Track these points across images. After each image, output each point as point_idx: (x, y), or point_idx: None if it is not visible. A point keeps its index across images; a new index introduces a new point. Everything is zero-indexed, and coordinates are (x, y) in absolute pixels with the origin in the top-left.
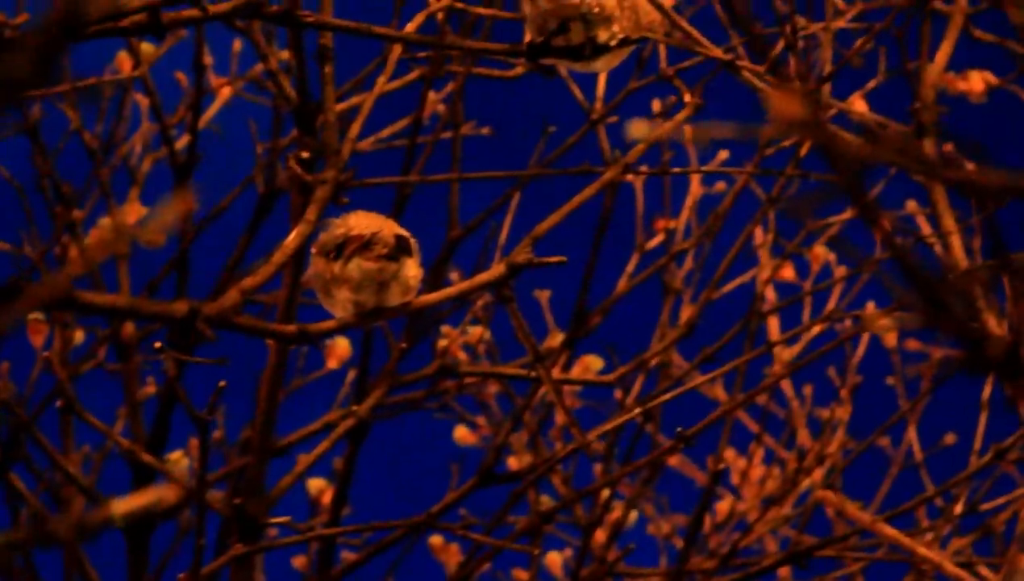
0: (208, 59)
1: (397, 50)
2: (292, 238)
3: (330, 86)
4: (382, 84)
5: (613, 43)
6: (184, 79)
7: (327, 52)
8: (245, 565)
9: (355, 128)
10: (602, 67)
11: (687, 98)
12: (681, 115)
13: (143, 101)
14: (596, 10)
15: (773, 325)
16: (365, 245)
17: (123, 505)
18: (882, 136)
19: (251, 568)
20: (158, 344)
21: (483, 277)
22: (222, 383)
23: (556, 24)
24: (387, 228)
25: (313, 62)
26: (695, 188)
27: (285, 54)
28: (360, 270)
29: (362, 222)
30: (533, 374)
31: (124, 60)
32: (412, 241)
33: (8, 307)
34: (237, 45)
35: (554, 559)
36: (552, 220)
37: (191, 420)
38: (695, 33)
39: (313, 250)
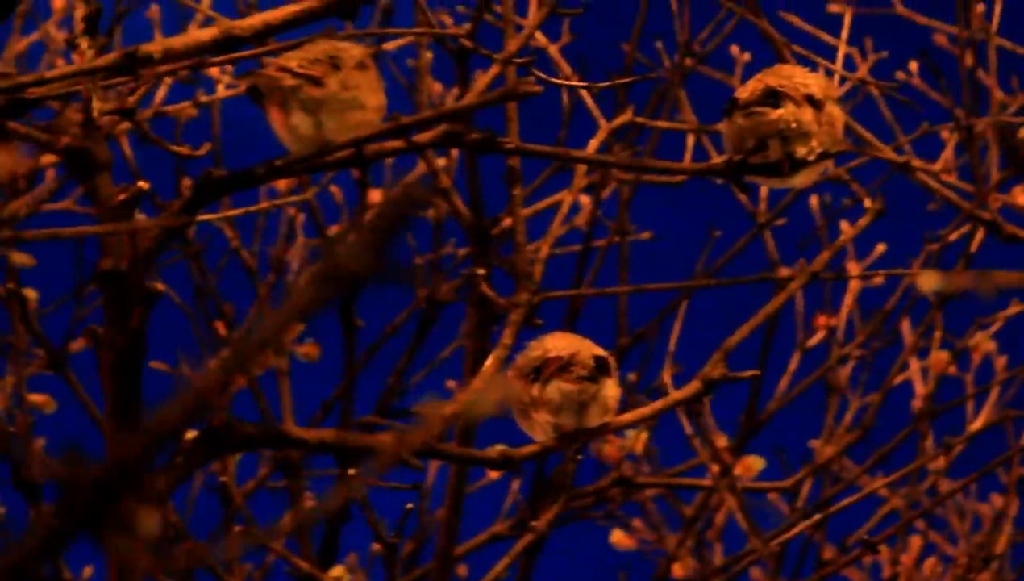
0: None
1: (583, 169)
2: (490, 363)
3: (519, 207)
4: (569, 201)
5: (811, 158)
6: (338, 193)
7: (515, 174)
8: None
9: (545, 249)
10: (801, 183)
11: (867, 203)
12: (863, 221)
13: (298, 216)
14: (794, 125)
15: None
16: (564, 367)
17: None
18: None
19: None
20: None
21: (679, 394)
22: (409, 505)
23: (754, 142)
24: (585, 349)
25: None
26: (854, 283)
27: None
28: (560, 392)
29: (559, 343)
30: (711, 483)
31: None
32: (611, 361)
33: (219, 451)
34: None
35: None
36: (742, 332)
37: (378, 540)
38: (868, 135)
39: (510, 373)
